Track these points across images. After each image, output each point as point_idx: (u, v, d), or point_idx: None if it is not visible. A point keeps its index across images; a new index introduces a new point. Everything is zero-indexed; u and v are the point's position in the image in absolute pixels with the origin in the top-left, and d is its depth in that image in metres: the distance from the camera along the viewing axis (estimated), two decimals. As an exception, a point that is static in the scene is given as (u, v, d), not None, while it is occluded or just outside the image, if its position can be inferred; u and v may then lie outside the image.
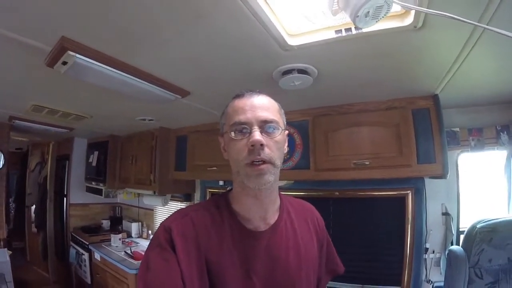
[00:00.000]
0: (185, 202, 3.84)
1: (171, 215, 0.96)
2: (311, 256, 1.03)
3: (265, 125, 0.88)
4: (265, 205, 0.95)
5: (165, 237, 0.86)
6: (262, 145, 0.84)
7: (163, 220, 0.94)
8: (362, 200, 2.60)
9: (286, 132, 0.98)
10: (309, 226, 1.09)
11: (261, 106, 0.91)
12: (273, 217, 0.98)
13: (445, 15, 0.81)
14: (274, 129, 0.90)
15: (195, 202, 3.71)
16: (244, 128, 0.88)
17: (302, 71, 1.69)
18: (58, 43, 1.40)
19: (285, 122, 0.99)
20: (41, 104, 2.58)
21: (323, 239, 1.13)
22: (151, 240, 0.91)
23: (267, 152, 0.86)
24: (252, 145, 0.84)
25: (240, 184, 0.93)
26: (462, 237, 1.99)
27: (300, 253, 0.97)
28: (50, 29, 1.31)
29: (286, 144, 0.99)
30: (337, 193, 2.67)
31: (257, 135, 0.85)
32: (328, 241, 1.17)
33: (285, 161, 2.55)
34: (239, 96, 0.96)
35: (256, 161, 0.85)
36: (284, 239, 0.96)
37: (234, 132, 0.89)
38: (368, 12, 0.93)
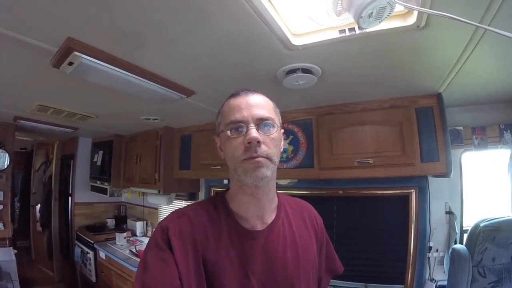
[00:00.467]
0: (189, 201, 3.85)
1: (168, 215, 0.96)
2: (310, 255, 1.02)
3: (261, 123, 0.89)
4: (262, 203, 0.95)
5: (162, 237, 0.87)
6: (258, 142, 0.85)
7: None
8: (366, 199, 2.61)
9: (282, 130, 0.99)
10: (307, 225, 1.09)
11: (257, 104, 0.91)
12: (270, 216, 0.98)
13: (447, 16, 0.82)
14: (270, 126, 0.90)
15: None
16: (240, 126, 0.88)
17: (306, 71, 1.70)
18: (64, 43, 1.42)
19: (281, 121, 0.99)
20: (47, 104, 2.60)
21: (322, 239, 1.13)
22: (149, 240, 0.92)
23: (264, 149, 0.86)
24: (249, 142, 0.85)
25: (237, 183, 0.93)
26: (465, 236, 1.99)
27: (298, 252, 0.97)
28: (56, 30, 1.32)
29: (282, 143, 0.99)
30: (341, 192, 2.68)
31: (253, 132, 0.85)
32: (327, 241, 1.17)
33: (289, 159, 2.57)
34: (234, 95, 0.96)
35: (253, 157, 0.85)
36: (282, 239, 0.96)
37: (230, 131, 0.89)
38: (372, 13, 0.94)
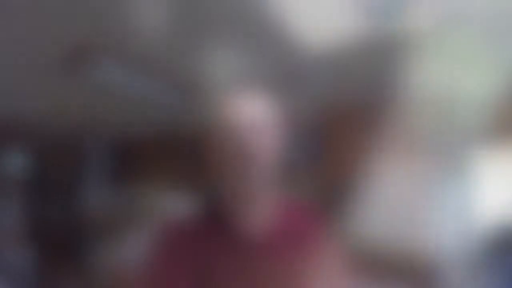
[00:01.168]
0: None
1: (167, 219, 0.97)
2: (310, 259, 1.02)
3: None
4: (260, 205, 0.95)
5: (160, 241, 0.87)
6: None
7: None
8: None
9: None
10: (309, 228, 1.08)
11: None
12: (269, 219, 0.98)
13: (457, 14, 0.82)
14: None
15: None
16: None
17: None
18: (75, 48, 1.43)
19: None
20: (58, 109, 2.62)
21: (326, 242, 1.11)
22: (147, 243, 0.92)
23: None
24: None
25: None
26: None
27: (298, 256, 0.97)
28: (67, 35, 1.33)
29: None
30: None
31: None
32: (332, 243, 1.15)
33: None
34: None
35: None
36: (281, 242, 0.96)
37: None
38: (383, 13, 0.94)
